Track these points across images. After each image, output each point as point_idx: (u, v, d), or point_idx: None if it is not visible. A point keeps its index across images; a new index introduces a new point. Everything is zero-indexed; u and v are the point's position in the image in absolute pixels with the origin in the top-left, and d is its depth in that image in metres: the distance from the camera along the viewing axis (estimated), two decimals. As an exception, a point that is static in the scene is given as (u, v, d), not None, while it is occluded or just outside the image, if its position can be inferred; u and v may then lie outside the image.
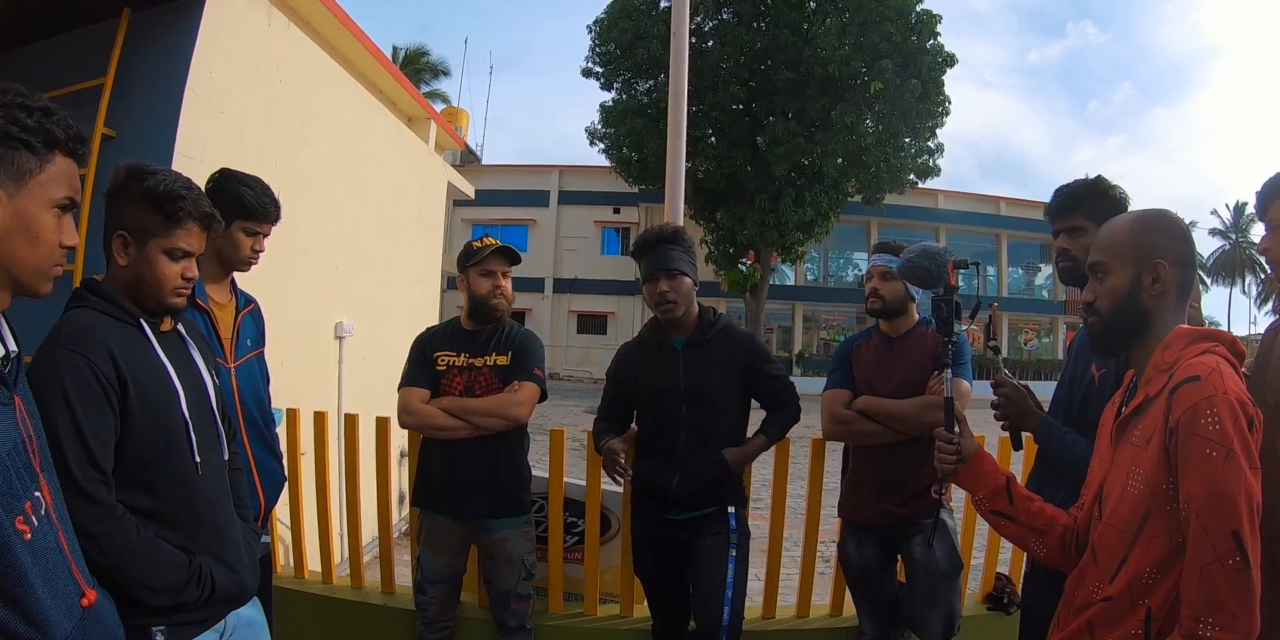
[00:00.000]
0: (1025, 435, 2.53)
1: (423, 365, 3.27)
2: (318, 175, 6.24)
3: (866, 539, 3.24)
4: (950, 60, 24.62)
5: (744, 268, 28.11)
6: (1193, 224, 55.41)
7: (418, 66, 36.73)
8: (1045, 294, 38.00)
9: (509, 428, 3.14)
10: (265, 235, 2.92)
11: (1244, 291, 53.87)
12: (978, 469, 2.01)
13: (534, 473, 3.45)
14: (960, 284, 2.30)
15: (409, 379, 3.26)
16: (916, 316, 3.31)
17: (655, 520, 3.13)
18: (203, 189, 2.07)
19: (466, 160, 35.49)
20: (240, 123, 5.16)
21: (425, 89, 36.57)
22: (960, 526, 3.53)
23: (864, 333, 3.45)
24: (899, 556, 3.27)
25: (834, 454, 3.51)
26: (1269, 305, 51.06)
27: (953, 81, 25.33)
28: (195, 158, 4.64)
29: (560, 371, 33.00)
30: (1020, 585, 3.73)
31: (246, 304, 3.00)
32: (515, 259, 3.32)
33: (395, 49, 36.71)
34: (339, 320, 6.71)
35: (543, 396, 3.22)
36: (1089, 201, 2.42)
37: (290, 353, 5.90)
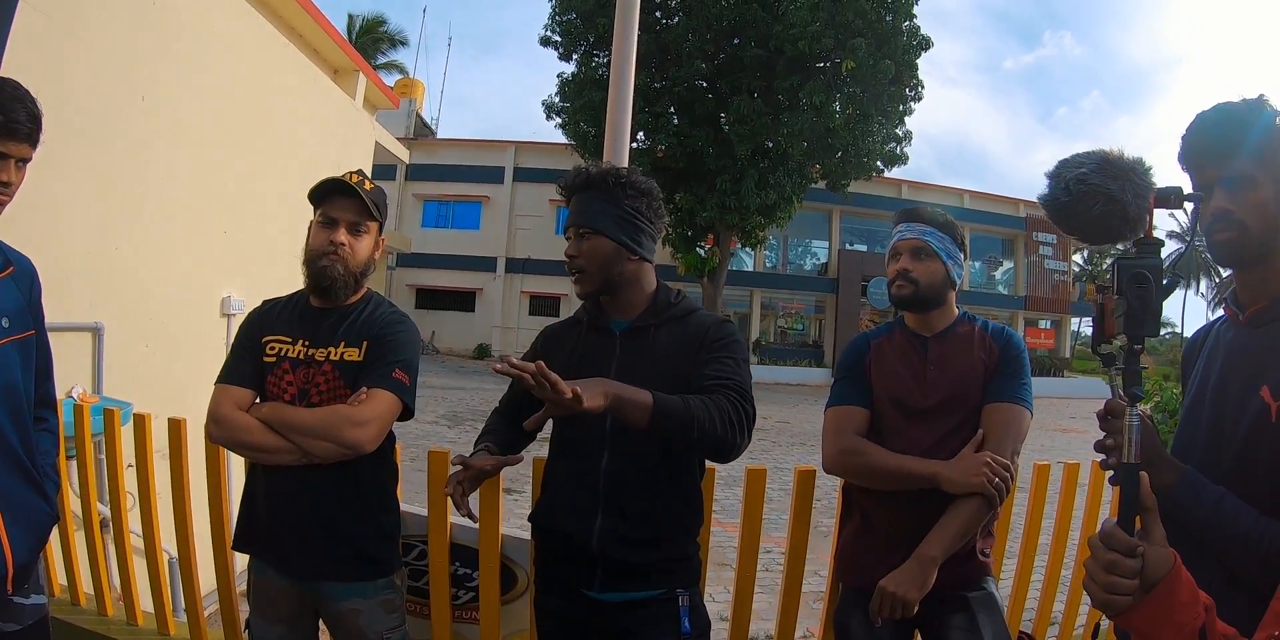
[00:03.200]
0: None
1: (248, 354, 2.33)
2: (201, 121, 5.26)
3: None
4: (925, 43, 23.98)
5: (702, 252, 27.43)
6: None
7: (375, 36, 36.18)
8: (1004, 289, 37.89)
9: (346, 457, 2.17)
10: (20, 160, 1.96)
11: (1199, 294, 54.44)
12: (1170, 601, 1.11)
13: (410, 508, 2.54)
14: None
15: (226, 373, 2.31)
16: (956, 310, 2.41)
17: (570, 596, 2.12)
18: None
19: (421, 133, 34.63)
20: (96, 49, 4.20)
21: (381, 60, 35.87)
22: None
23: (883, 328, 2.50)
24: (917, 631, 2.38)
25: (824, 483, 2.62)
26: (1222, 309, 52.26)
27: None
28: (28, 86, 3.67)
29: (511, 353, 32.03)
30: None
31: (3, 267, 2.06)
32: (363, 207, 2.32)
33: (351, 17, 36.11)
34: (226, 294, 5.73)
35: (407, 412, 2.28)
36: (1261, 137, 1.47)
37: (160, 333, 4.99)
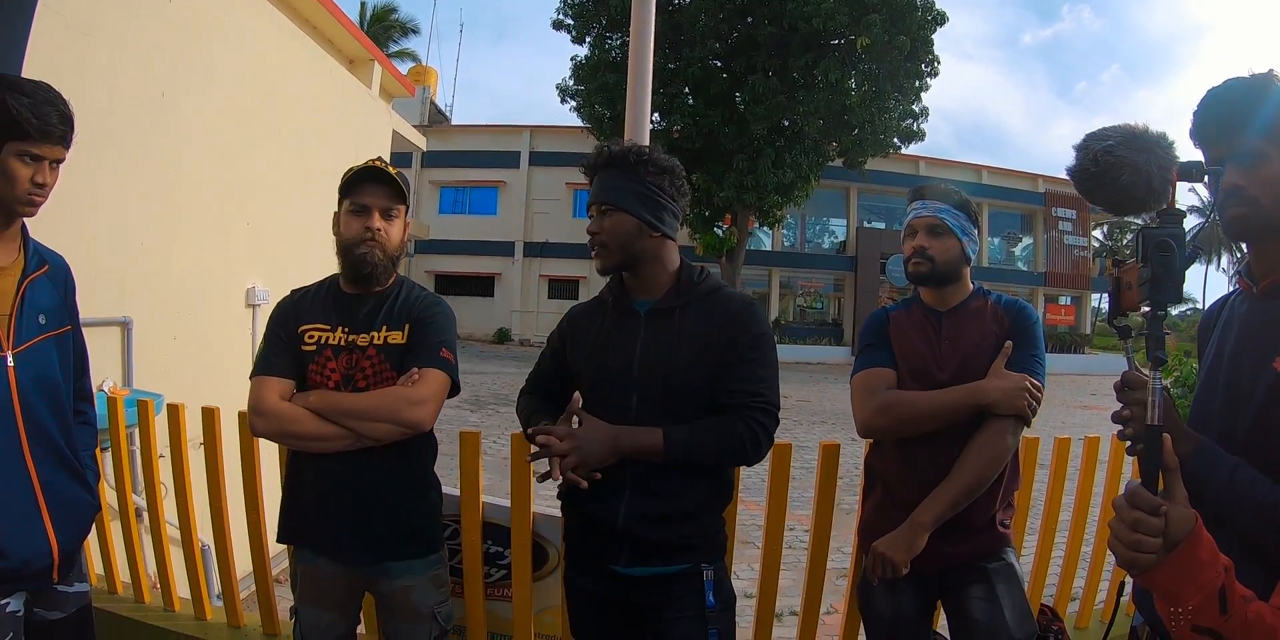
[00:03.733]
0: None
1: (284, 344, 2.33)
2: (222, 115, 5.31)
3: (903, 585, 2.38)
4: (941, 18, 23.71)
5: (720, 232, 27.36)
6: (1169, 201, 55.67)
7: (386, 24, 36.14)
8: (1024, 266, 37.61)
9: (405, 436, 2.23)
10: (54, 162, 2.02)
11: (1220, 269, 53.83)
12: (1192, 560, 1.15)
13: (443, 490, 2.61)
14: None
15: (263, 365, 2.31)
16: (971, 285, 2.46)
17: (598, 572, 2.18)
18: None
19: (435, 120, 34.63)
20: (114, 48, 4.25)
21: (394, 48, 35.87)
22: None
23: (900, 303, 2.56)
24: (940, 603, 2.47)
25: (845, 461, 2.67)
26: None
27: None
28: (51, 91, 3.74)
29: (531, 338, 32.32)
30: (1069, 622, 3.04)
31: (39, 266, 2.11)
32: (398, 190, 2.36)
33: (363, 6, 36.15)
34: (251, 285, 5.80)
35: (455, 389, 2.32)
36: (1271, 112, 1.47)
37: (188, 326, 5.06)
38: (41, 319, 2.08)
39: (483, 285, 34.08)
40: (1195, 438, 1.57)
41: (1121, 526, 1.19)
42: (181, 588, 3.42)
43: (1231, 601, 1.14)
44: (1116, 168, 1.45)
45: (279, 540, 2.48)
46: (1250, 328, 1.61)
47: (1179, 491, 1.20)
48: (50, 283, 2.14)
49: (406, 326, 2.33)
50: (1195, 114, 1.57)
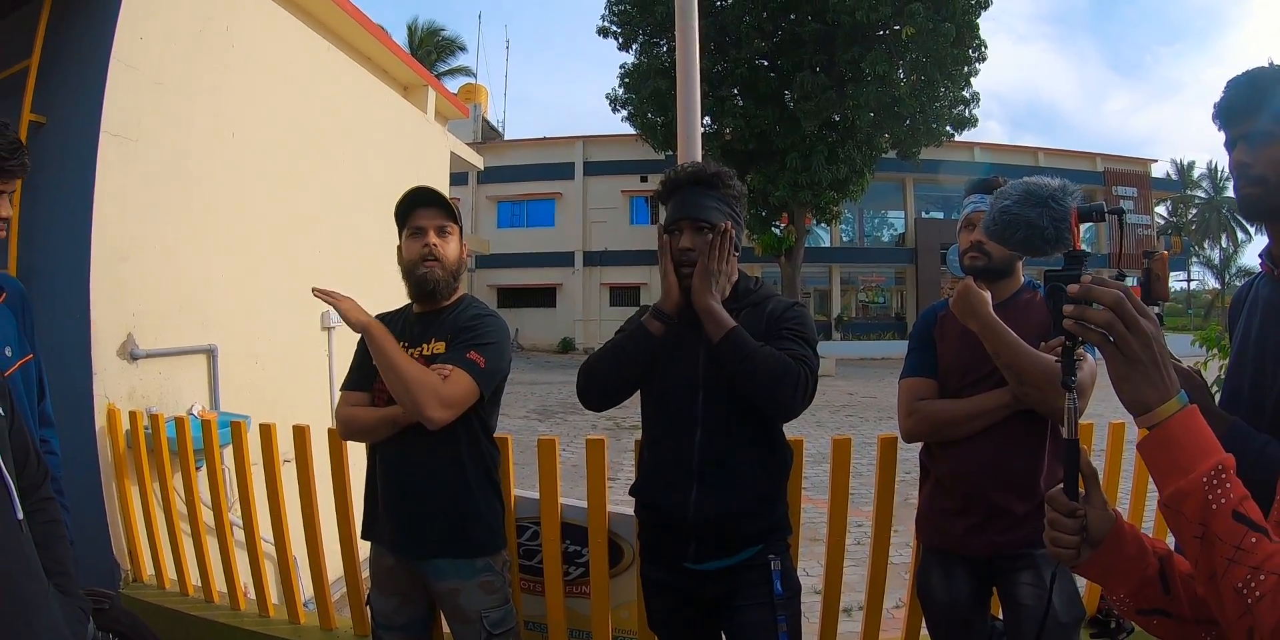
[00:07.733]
0: None
1: (360, 361, 2.62)
2: (288, 148, 5.57)
3: (956, 571, 2.47)
4: (984, 2, 23.32)
5: (778, 231, 27.27)
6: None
7: (429, 48, 36.74)
8: (1086, 247, 36.57)
9: (416, 421, 2.35)
10: (7, 194, 2.10)
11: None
12: (1117, 554, 1.25)
13: (520, 492, 2.77)
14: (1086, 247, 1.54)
15: (346, 381, 2.64)
16: (1022, 278, 2.53)
17: (671, 567, 2.30)
18: None
19: (488, 136, 35.09)
20: (184, 94, 4.51)
21: (444, 67, 36.39)
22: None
23: (948, 300, 2.59)
24: (994, 589, 2.52)
25: (911, 454, 2.77)
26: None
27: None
28: (129, 137, 4.03)
29: (595, 346, 32.42)
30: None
31: None
32: (447, 208, 2.58)
33: (410, 29, 36.76)
34: (326, 309, 6.04)
35: (480, 395, 2.42)
36: None
37: (268, 350, 5.32)
38: (7, 351, 2.11)
39: (545, 296, 34.44)
40: (1228, 419, 1.64)
41: (1046, 526, 1.32)
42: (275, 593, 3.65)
43: (1173, 583, 1.23)
44: (1012, 225, 1.55)
45: (362, 536, 2.71)
46: (1272, 311, 1.68)
47: (1096, 496, 1.29)
48: (9, 310, 2.21)
49: (449, 337, 2.51)
50: (1219, 98, 1.66)
